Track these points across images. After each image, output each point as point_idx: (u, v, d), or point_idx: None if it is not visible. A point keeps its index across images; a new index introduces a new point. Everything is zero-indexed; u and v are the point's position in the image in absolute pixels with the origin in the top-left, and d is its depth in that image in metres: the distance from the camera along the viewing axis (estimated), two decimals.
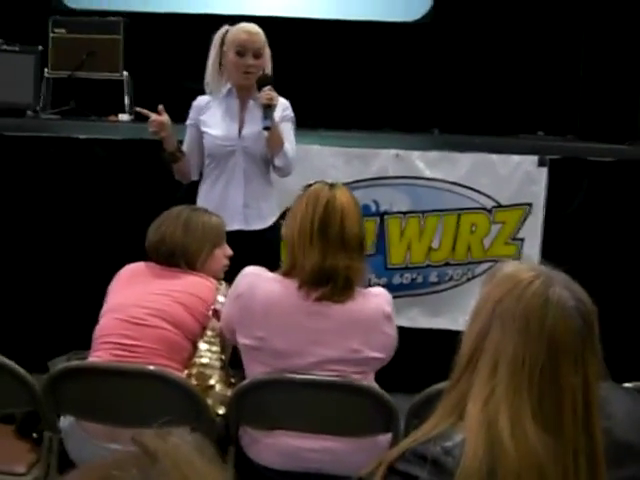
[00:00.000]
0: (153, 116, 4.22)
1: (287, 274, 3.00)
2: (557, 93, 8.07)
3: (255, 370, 2.99)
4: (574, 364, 1.61)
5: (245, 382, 2.97)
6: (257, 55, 4.24)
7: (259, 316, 2.97)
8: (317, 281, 2.94)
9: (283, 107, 4.32)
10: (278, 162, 4.25)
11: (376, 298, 3.04)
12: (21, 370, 2.98)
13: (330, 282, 2.94)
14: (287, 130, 4.30)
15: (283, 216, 4.33)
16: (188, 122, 4.43)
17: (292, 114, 4.36)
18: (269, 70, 4.32)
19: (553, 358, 1.61)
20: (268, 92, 4.12)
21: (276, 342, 2.96)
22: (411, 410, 2.91)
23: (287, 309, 2.96)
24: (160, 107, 4.22)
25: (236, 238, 3.82)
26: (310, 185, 3.08)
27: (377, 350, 2.99)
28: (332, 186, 3.04)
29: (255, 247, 4.02)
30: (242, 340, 3.02)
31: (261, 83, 4.19)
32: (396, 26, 8.21)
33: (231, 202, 4.30)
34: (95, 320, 3.32)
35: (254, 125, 4.24)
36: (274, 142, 4.20)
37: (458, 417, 1.66)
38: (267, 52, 4.31)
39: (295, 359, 2.95)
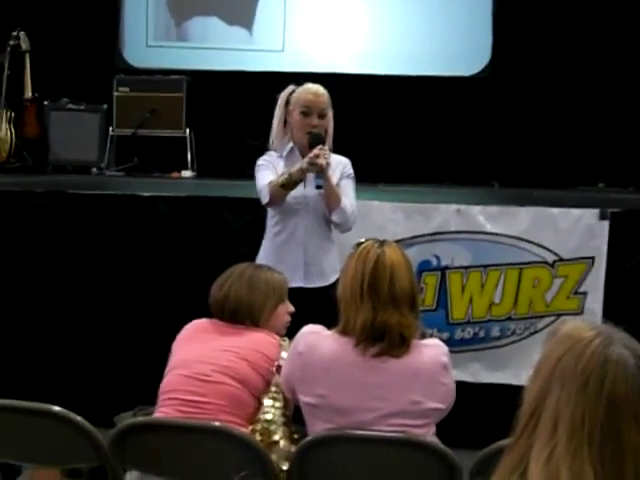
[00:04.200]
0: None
1: (342, 332, 3.03)
2: (618, 145, 8.03)
3: (318, 427, 3.01)
4: (635, 424, 1.60)
5: (308, 438, 2.98)
6: (322, 115, 4.31)
7: (319, 374, 3.00)
8: (371, 338, 2.96)
9: (343, 165, 4.38)
10: (335, 218, 4.29)
11: (432, 349, 3.05)
12: (88, 425, 3.01)
13: (385, 338, 2.96)
14: (347, 187, 4.35)
15: None
16: (265, 163, 4.39)
17: (352, 171, 4.40)
18: (331, 130, 4.38)
19: (613, 418, 1.60)
20: (318, 151, 4.15)
21: (337, 399, 2.98)
22: (474, 467, 2.89)
23: (346, 366, 2.98)
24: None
25: (297, 295, 3.84)
26: (361, 243, 3.11)
27: (437, 401, 3.00)
28: (382, 243, 3.07)
29: (316, 304, 4.00)
30: (303, 398, 3.05)
31: (313, 141, 4.23)
32: (454, 80, 8.26)
33: (292, 259, 4.32)
34: (160, 376, 3.36)
35: (315, 183, 4.29)
36: (330, 198, 4.24)
37: (520, 476, 1.66)
38: (330, 113, 4.37)
39: (357, 415, 2.97)
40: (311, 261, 4.37)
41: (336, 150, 4.35)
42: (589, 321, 1.77)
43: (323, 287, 4.32)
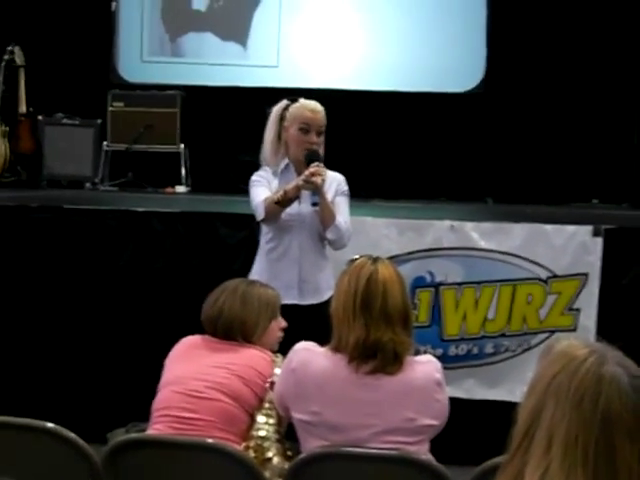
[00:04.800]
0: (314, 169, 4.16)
1: (335, 349, 3.02)
2: (611, 161, 8.05)
3: (312, 444, 2.99)
4: (630, 442, 1.60)
5: (302, 455, 2.97)
6: (320, 133, 4.31)
7: (313, 391, 2.99)
8: (364, 355, 2.96)
9: (338, 182, 4.38)
10: (330, 235, 4.28)
11: (425, 366, 3.04)
12: (81, 442, 2.99)
13: (378, 355, 2.95)
14: (342, 204, 4.35)
15: None
16: (260, 179, 4.38)
17: (346, 188, 4.40)
18: (322, 146, 4.37)
19: (607, 436, 1.60)
20: (314, 169, 4.14)
21: (331, 416, 2.97)
22: None
23: (339, 383, 2.98)
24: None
25: (291, 312, 3.83)
26: (354, 260, 3.11)
27: (431, 417, 2.99)
28: (375, 260, 3.07)
29: (311, 321, 3.96)
30: (297, 415, 3.04)
31: (309, 159, 4.22)
32: (448, 97, 8.28)
33: (286, 276, 4.29)
34: (153, 392, 3.35)
35: (311, 201, 4.25)
36: (325, 216, 4.23)
37: None
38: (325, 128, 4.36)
39: (351, 432, 2.96)
40: (305, 278, 4.35)
41: (330, 166, 4.34)
42: (583, 339, 1.78)
43: (318, 304, 4.30)
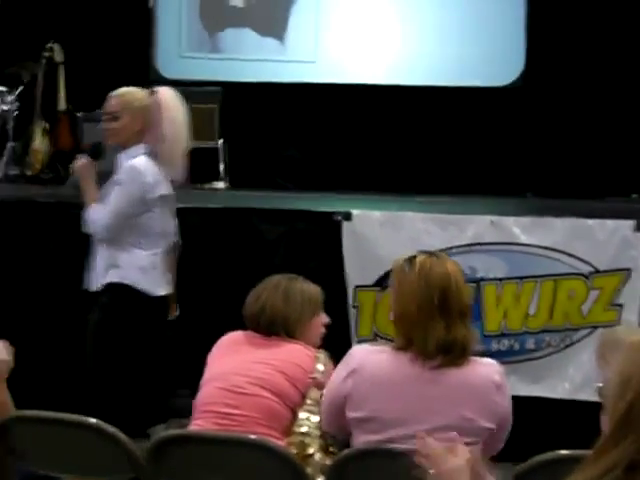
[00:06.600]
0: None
1: (402, 349, 2.98)
2: None
3: (363, 439, 2.97)
4: None
5: (345, 451, 2.96)
6: (111, 119, 4.37)
7: (372, 389, 2.96)
8: (440, 353, 2.92)
9: (123, 170, 4.34)
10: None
11: (485, 367, 3.02)
12: (124, 437, 3.01)
13: (451, 352, 2.93)
14: (111, 193, 4.34)
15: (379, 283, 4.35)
16: None
17: (123, 177, 4.33)
18: (169, 132, 4.44)
19: None
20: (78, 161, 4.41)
21: (388, 412, 2.94)
22: None
23: (400, 379, 2.94)
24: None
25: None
26: (413, 257, 3.00)
27: (489, 420, 2.96)
28: (438, 257, 3.03)
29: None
30: (353, 414, 2.99)
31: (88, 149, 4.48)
32: (488, 91, 8.22)
33: None
34: (195, 388, 3.36)
35: None
36: None
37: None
38: (129, 115, 4.40)
39: (406, 427, 2.90)
40: (91, 266, 4.45)
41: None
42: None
43: (95, 292, 4.42)
